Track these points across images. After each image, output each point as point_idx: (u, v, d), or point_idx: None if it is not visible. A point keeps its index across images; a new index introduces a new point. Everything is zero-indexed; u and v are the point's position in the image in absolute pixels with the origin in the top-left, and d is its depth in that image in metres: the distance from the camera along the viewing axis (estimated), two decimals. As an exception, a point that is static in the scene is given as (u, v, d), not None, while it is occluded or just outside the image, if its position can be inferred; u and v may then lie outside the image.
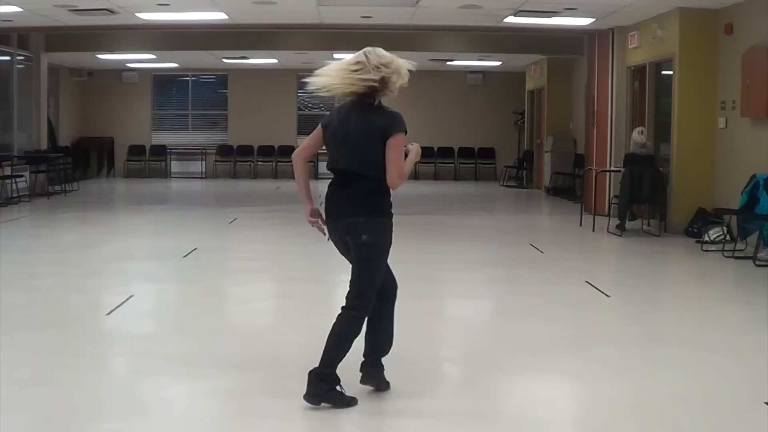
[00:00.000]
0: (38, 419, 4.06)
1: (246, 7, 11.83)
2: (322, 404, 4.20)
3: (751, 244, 9.15)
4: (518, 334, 5.92)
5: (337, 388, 4.23)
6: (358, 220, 4.22)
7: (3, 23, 13.10)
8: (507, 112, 21.43)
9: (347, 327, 4.26)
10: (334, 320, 4.28)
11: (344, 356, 4.25)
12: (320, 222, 4.41)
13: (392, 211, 4.32)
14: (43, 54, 16.65)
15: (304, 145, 4.46)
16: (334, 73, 4.21)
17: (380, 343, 4.48)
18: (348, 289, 4.29)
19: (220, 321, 6.40)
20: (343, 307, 4.29)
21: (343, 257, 4.42)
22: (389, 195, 4.31)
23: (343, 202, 4.28)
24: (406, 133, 4.23)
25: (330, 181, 4.38)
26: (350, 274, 4.30)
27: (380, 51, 4.25)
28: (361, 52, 4.24)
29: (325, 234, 4.41)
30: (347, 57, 4.27)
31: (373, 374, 4.47)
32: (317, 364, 4.22)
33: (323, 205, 4.38)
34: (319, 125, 4.41)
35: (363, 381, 4.46)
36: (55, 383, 4.61)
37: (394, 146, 4.17)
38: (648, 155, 11.38)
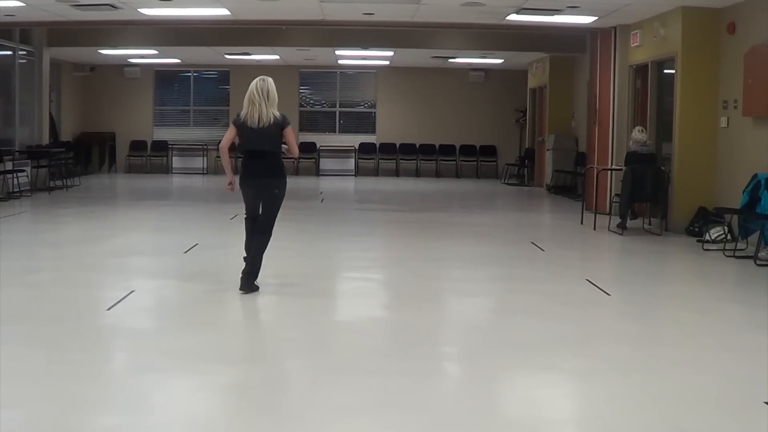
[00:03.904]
0: (39, 415, 4.06)
1: (248, 3, 11.83)
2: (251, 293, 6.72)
3: (752, 244, 9.16)
4: (518, 332, 5.93)
5: (256, 282, 6.83)
6: (274, 181, 6.83)
7: (5, 18, 13.10)
8: (509, 109, 21.44)
9: (263, 243, 6.82)
10: (251, 242, 6.80)
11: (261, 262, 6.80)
12: (233, 186, 6.95)
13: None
14: (45, 49, 16.64)
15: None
16: None
17: (259, 261, 6.83)
18: (261, 222, 6.82)
19: (221, 317, 6.41)
20: (257, 232, 6.80)
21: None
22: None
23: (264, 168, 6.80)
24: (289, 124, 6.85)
25: (246, 156, 6.83)
26: (262, 214, 6.84)
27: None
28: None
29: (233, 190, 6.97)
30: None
31: (251, 283, 6.79)
32: (251, 275, 6.75)
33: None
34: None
35: (244, 289, 6.73)
36: (55, 378, 4.61)
37: (291, 132, 6.94)
38: (649, 154, 11.37)
